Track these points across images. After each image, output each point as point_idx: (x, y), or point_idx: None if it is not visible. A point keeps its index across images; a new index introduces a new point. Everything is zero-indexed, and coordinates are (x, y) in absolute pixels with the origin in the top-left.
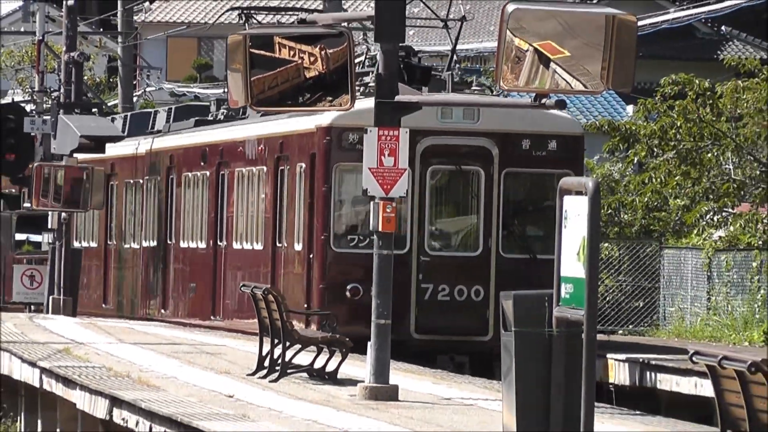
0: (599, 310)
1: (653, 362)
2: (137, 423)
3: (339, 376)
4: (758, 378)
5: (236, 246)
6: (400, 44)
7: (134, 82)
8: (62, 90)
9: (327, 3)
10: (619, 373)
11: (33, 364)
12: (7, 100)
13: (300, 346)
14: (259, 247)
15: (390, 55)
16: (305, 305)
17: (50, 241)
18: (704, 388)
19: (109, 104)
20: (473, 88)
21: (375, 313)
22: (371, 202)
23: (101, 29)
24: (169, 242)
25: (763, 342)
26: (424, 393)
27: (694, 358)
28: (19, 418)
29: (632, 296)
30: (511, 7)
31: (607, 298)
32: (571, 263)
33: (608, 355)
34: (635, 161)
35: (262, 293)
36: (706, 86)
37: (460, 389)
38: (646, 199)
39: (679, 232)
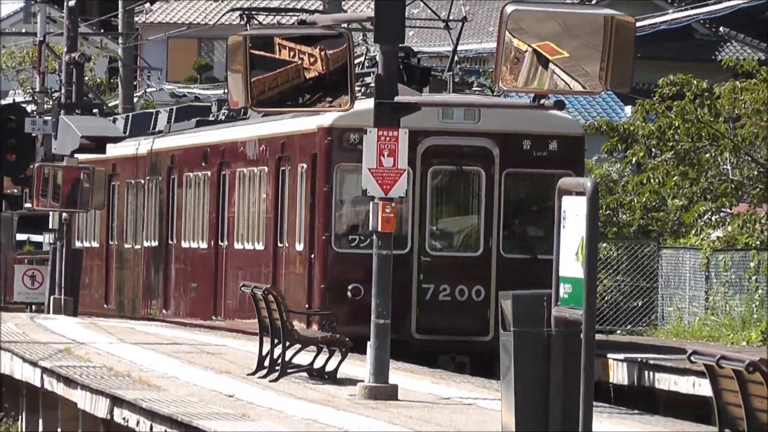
0: (598, 309)
1: (651, 362)
2: (138, 422)
3: (339, 376)
4: (756, 377)
5: (237, 246)
6: (400, 45)
7: (135, 83)
8: (63, 90)
9: (327, 4)
10: (617, 372)
11: (34, 364)
12: (8, 100)
13: (300, 345)
14: (260, 247)
15: (389, 56)
16: (306, 305)
17: (51, 241)
18: (702, 387)
19: (109, 105)
20: (474, 88)
21: (374, 312)
22: (371, 203)
23: (102, 30)
24: (170, 242)
25: (761, 342)
26: (423, 392)
27: (692, 358)
28: (20, 417)
29: (630, 296)
30: (510, 8)
31: (606, 298)
32: (570, 263)
33: (607, 355)
34: (633, 161)
35: (262, 293)
36: (704, 87)
37: (459, 389)
38: (644, 199)
39: (677, 232)
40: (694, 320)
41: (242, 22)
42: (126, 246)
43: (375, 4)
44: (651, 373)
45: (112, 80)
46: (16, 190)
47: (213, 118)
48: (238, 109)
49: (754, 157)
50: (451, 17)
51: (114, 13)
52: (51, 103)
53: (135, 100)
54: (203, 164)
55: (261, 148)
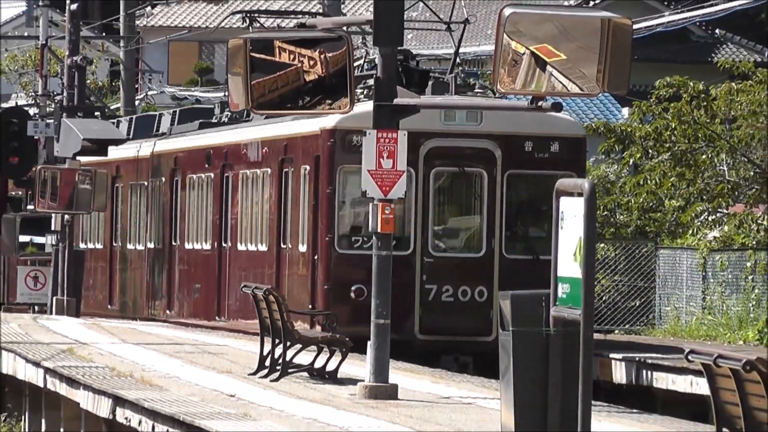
0: (596, 309)
1: (649, 361)
2: (140, 422)
3: (339, 376)
4: (753, 376)
5: (241, 247)
6: (399, 48)
7: (136, 86)
8: (65, 93)
9: (326, 7)
10: (615, 371)
11: (37, 364)
12: (10, 103)
13: (300, 345)
14: (263, 248)
15: (388, 58)
16: (310, 306)
17: (53, 242)
18: (700, 386)
19: (111, 108)
20: (476, 90)
21: (374, 312)
22: (370, 204)
23: (104, 33)
24: (173, 244)
25: (758, 341)
26: (423, 392)
27: (689, 357)
28: (23, 417)
29: (628, 296)
30: (508, 11)
31: (604, 298)
32: (568, 263)
33: (607, 354)
34: (631, 163)
35: (262, 294)
36: (701, 89)
37: (458, 388)
38: (641, 200)
39: (674, 232)
40: (692, 320)
41: (243, 26)
42: (129, 247)
43: (374, 7)
44: (649, 372)
45: (113, 83)
46: (19, 193)
47: (216, 121)
48: (240, 111)
49: (750, 158)
50: (452, 19)
51: (115, 17)
52: (53, 106)
53: (136, 103)
54: (206, 166)
55: (264, 150)
